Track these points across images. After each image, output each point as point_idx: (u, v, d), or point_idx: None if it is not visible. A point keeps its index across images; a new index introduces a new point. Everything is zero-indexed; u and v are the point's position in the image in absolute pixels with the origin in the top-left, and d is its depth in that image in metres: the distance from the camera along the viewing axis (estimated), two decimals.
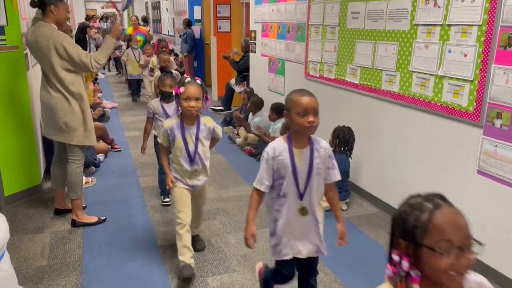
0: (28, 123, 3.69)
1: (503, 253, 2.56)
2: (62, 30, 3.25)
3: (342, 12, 3.92)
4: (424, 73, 3.05)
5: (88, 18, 13.78)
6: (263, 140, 4.96)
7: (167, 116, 3.25)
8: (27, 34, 3.05)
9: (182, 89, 2.45)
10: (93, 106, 5.89)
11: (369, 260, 2.86)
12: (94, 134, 3.25)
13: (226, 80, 7.55)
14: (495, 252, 2.61)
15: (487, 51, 2.56)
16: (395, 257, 1.04)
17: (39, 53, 3.02)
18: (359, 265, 2.81)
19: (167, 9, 12.69)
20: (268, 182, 1.93)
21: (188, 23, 9.40)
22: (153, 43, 8.55)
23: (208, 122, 2.62)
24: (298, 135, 1.88)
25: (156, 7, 14.48)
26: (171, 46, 10.90)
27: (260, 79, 6.14)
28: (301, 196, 1.91)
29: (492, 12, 2.51)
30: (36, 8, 3.11)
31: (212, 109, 7.24)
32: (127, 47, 8.36)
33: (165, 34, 13.11)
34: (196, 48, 9.61)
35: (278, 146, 1.90)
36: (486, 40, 2.56)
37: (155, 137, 3.42)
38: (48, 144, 3.84)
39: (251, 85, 6.48)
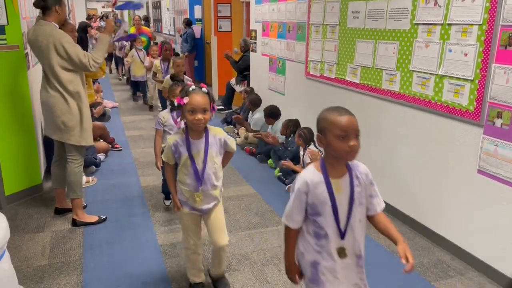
0: (29, 122, 3.69)
1: (503, 252, 2.57)
2: (67, 29, 3.26)
3: (343, 11, 3.92)
4: (425, 73, 3.04)
5: (89, 17, 13.77)
6: (263, 141, 4.97)
7: (178, 128, 3.00)
8: (28, 33, 3.06)
9: (186, 100, 2.07)
10: (94, 105, 5.90)
11: (369, 260, 2.84)
12: (91, 134, 3.24)
13: (227, 80, 7.56)
14: (495, 251, 2.61)
15: (487, 50, 2.56)
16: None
17: (39, 52, 3.02)
18: None
19: (167, 8, 12.69)
20: (300, 217, 1.64)
21: (188, 23, 9.40)
22: (155, 42, 8.52)
23: (218, 134, 2.26)
24: (334, 161, 1.59)
25: (157, 6, 14.49)
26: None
27: (261, 78, 6.14)
28: (342, 235, 1.61)
29: (493, 11, 2.51)
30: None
31: None
32: (131, 48, 8.31)
33: (166, 34, 13.11)
34: (196, 48, 9.61)
35: (311, 178, 1.59)
36: (487, 40, 2.56)
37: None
38: (48, 144, 3.85)
39: (251, 85, 6.49)
